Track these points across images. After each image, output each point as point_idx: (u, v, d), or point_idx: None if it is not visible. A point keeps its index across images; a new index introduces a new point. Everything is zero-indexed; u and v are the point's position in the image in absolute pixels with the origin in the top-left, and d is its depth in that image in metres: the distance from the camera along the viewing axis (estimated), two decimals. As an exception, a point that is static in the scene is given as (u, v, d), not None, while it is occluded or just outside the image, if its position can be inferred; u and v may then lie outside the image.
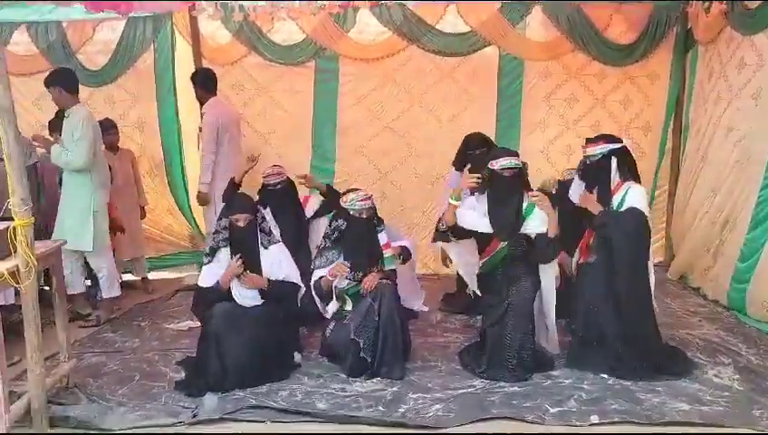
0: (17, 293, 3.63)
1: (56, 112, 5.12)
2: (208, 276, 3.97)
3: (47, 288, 3.87)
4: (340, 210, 4.22)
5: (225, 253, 3.97)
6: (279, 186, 4.87)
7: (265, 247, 4.01)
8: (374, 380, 3.81)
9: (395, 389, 3.69)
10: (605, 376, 3.75)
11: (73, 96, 4.81)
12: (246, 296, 3.92)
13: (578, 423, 3.26)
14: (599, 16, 5.97)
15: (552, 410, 3.38)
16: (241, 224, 3.95)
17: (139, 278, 6.08)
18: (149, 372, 4.05)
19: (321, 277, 4.11)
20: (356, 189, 4.30)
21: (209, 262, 4.00)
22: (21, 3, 5.48)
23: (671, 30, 6.00)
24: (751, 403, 3.41)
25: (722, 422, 3.22)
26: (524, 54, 6.14)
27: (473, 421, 3.30)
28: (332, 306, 4.16)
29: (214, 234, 4.06)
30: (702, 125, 5.59)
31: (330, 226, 4.23)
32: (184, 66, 6.15)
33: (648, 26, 5.95)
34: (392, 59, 6.18)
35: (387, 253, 4.22)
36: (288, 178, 4.94)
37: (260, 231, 4.04)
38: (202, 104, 5.64)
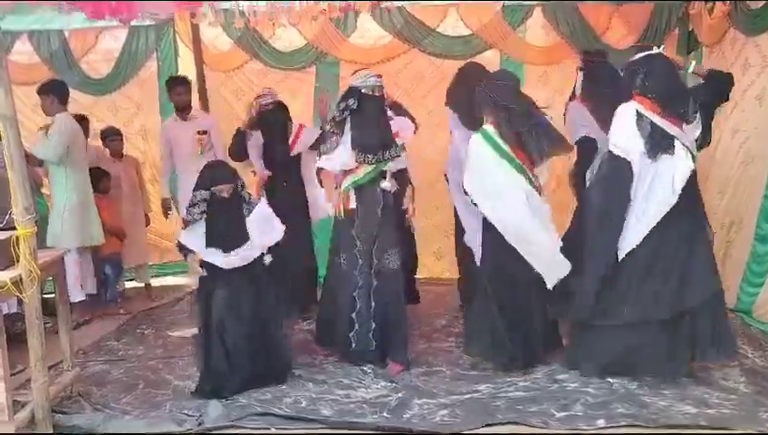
0: (20, 301, 3.63)
1: None
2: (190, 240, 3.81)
3: (52, 295, 3.88)
4: (348, 91, 3.90)
5: (201, 226, 3.75)
6: (271, 106, 4.92)
7: (248, 216, 3.80)
8: (379, 385, 3.81)
9: (400, 395, 3.67)
10: (611, 380, 3.73)
11: (63, 106, 5.06)
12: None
13: (584, 427, 3.24)
14: (597, 20, 5.95)
15: (557, 415, 3.36)
16: (225, 195, 3.71)
17: (143, 285, 6.08)
18: (153, 380, 4.04)
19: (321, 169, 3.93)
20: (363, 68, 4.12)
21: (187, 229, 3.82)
22: (24, 9, 5.49)
23: (671, 32, 5.97)
24: (757, 406, 3.38)
25: (729, 425, 3.19)
26: (525, 58, 6.13)
27: (479, 427, 3.28)
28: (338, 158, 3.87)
29: (189, 207, 3.76)
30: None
31: (337, 106, 3.89)
32: (187, 73, 6.13)
33: (648, 29, 5.93)
34: (393, 62, 6.18)
35: (398, 141, 3.98)
36: (280, 101, 5.02)
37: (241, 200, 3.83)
38: (184, 110, 5.56)
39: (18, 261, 3.18)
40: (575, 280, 3.76)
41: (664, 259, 3.63)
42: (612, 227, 3.67)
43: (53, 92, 5.02)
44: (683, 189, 3.59)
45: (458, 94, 4.42)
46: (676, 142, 3.61)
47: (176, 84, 5.52)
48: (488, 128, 3.83)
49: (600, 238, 3.72)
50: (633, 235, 3.63)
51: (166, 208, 5.75)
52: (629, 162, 3.63)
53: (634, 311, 3.63)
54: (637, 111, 3.66)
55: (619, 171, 3.66)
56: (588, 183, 4.13)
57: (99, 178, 5.43)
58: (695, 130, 3.69)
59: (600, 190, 3.77)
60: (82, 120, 5.45)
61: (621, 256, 3.65)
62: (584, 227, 3.91)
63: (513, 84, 3.89)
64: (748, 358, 4.00)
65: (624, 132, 3.67)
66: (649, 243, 3.62)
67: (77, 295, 5.12)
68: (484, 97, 3.86)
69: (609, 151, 3.72)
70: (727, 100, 3.91)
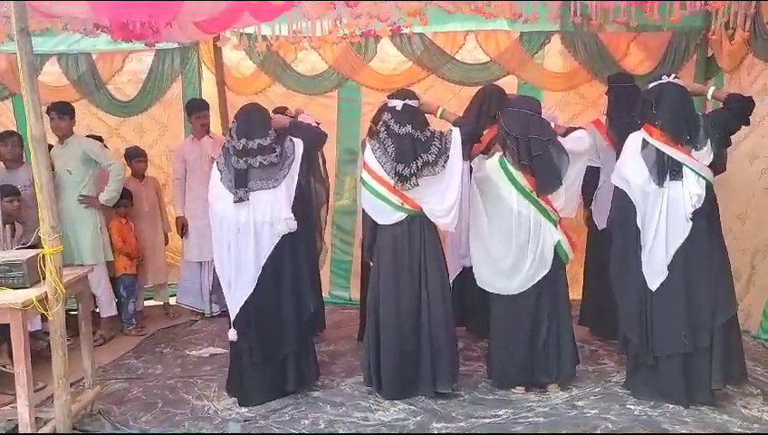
0: (44, 319, 3.68)
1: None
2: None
3: (75, 311, 3.93)
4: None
5: None
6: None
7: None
8: (397, 408, 3.80)
9: (418, 418, 3.67)
10: (631, 407, 3.71)
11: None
12: None
13: (604, 455, 3.22)
14: (617, 46, 5.98)
15: (577, 442, 3.35)
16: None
17: (161, 304, 6.13)
18: (172, 400, 4.07)
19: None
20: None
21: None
22: (50, 32, 5.62)
23: (690, 58, 5.98)
24: (781, 435, 3.35)
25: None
26: (543, 84, 6.15)
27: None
28: None
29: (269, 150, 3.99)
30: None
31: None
32: (210, 96, 6.25)
33: (666, 55, 5.95)
34: (413, 88, 6.21)
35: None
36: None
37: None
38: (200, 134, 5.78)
39: (44, 278, 3.24)
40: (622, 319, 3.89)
41: (693, 284, 3.66)
42: (631, 260, 3.77)
43: (73, 115, 5.23)
44: (702, 214, 3.62)
45: (467, 111, 4.68)
46: (685, 169, 3.65)
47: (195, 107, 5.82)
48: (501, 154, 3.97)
49: (625, 275, 3.83)
50: (658, 264, 3.68)
51: (181, 226, 5.82)
52: (625, 192, 3.75)
53: (687, 339, 3.64)
54: (643, 139, 3.74)
55: (621, 202, 3.81)
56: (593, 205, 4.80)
57: (121, 197, 5.49)
58: (706, 156, 3.70)
59: (614, 226, 3.93)
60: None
61: (655, 287, 3.69)
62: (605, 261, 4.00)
63: (526, 114, 3.92)
64: (770, 386, 3.96)
65: (626, 161, 3.79)
66: (676, 270, 3.65)
67: (110, 311, 5.28)
68: (500, 125, 3.99)
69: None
70: (747, 124, 3.88)
